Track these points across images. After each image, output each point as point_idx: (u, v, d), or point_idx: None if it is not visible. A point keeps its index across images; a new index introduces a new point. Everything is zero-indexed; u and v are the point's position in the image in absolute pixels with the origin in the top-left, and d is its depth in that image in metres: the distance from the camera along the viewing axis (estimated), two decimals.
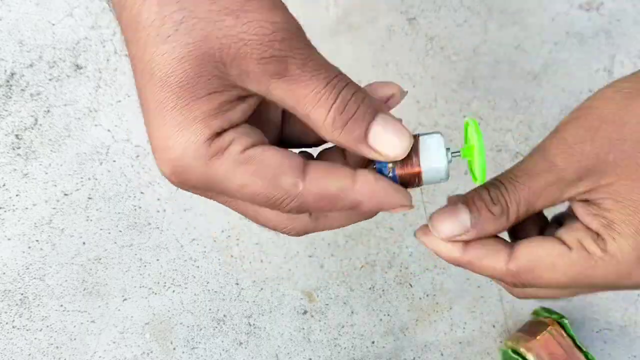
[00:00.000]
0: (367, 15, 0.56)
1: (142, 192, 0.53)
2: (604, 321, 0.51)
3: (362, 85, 0.29)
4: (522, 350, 0.47)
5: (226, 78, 0.26)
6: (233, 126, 0.27)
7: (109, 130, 0.54)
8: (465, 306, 0.51)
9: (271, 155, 0.27)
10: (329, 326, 0.50)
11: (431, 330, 0.50)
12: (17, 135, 0.54)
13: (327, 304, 0.51)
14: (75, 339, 0.50)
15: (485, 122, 0.55)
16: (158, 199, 0.53)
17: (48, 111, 0.55)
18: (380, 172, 0.29)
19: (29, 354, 0.49)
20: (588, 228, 0.31)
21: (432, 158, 0.29)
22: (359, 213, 0.30)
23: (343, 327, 0.50)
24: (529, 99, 0.55)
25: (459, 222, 0.31)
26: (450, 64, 0.56)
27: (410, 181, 0.29)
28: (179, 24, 0.26)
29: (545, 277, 0.31)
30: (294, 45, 0.27)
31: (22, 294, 0.50)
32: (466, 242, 0.32)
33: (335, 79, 0.27)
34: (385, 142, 0.28)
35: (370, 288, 0.51)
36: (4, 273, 0.51)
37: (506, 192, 0.31)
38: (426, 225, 0.32)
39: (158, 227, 0.52)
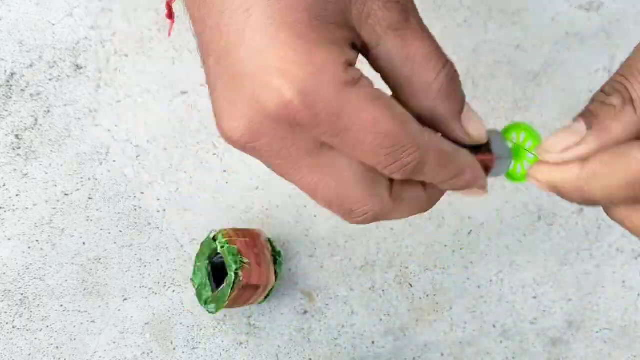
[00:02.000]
0: None
1: (142, 192, 0.53)
2: (604, 321, 0.51)
3: None
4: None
5: (347, 15, 0.25)
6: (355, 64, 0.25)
7: (109, 130, 0.54)
8: (465, 306, 0.51)
9: (396, 102, 0.25)
10: (329, 326, 0.50)
11: (431, 330, 0.50)
12: (17, 135, 0.54)
13: (327, 304, 0.51)
14: (75, 339, 0.50)
15: (485, 122, 0.55)
16: (158, 199, 0.53)
17: (48, 111, 0.55)
18: None
19: (29, 354, 0.49)
20: None
21: (502, 151, 0.29)
22: (457, 184, 0.27)
23: (343, 327, 0.50)
24: (529, 99, 0.56)
25: (572, 131, 0.25)
26: None
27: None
28: None
29: None
30: (414, 4, 0.26)
31: (22, 294, 0.50)
32: (585, 159, 0.25)
33: (440, 47, 0.26)
34: (474, 123, 0.28)
35: (370, 288, 0.51)
36: (4, 273, 0.51)
37: (622, 79, 0.25)
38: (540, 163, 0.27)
39: (158, 227, 0.52)
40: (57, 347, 0.49)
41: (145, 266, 0.51)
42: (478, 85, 0.56)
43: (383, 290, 0.51)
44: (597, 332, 0.51)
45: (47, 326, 0.50)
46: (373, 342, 0.50)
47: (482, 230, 0.53)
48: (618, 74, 0.25)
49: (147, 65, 0.56)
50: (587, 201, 0.25)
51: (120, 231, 0.52)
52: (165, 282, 0.51)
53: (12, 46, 0.56)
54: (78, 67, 0.56)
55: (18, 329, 0.50)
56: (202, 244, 0.47)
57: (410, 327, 0.50)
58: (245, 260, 0.44)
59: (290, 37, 0.23)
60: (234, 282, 0.43)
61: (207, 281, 0.46)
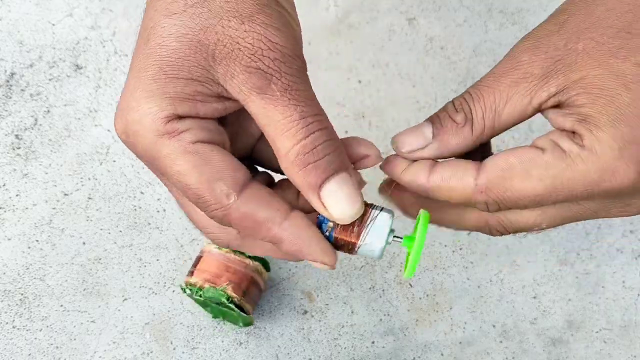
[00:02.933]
0: (367, 15, 0.56)
1: (142, 192, 0.53)
2: (604, 321, 0.51)
3: (335, 131, 0.28)
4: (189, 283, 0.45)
5: (211, 73, 0.27)
6: (198, 117, 0.27)
7: (109, 130, 0.54)
8: (465, 306, 0.51)
9: (219, 158, 0.27)
10: (329, 326, 0.50)
11: (431, 330, 0.50)
12: (17, 135, 0.54)
13: (327, 304, 0.51)
14: (75, 339, 0.50)
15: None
16: (158, 199, 0.53)
17: (48, 111, 0.55)
18: (319, 225, 0.28)
19: (29, 354, 0.49)
20: (563, 130, 0.28)
21: (374, 236, 0.28)
22: (281, 251, 0.29)
23: (343, 327, 0.50)
24: None
25: (421, 134, 0.30)
26: (450, 64, 0.57)
27: (343, 247, 0.29)
28: (189, 6, 0.27)
29: (518, 186, 0.28)
30: (283, 69, 0.27)
31: (22, 294, 0.50)
32: (432, 167, 0.29)
33: (313, 118, 0.27)
34: (336, 202, 0.27)
35: (370, 288, 0.51)
36: (4, 273, 0.51)
37: (470, 99, 0.29)
38: (391, 156, 0.31)
39: (158, 227, 0.52)
40: (57, 347, 0.49)
41: (145, 266, 0.51)
42: None
43: (383, 290, 0.51)
44: (597, 332, 0.51)
45: (47, 326, 0.50)
46: (373, 342, 0.50)
47: None
48: (468, 92, 0.29)
49: None
50: (430, 196, 0.30)
51: (120, 231, 0.52)
52: (165, 282, 0.51)
53: (12, 46, 0.56)
54: (78, 67, 0.56)
55: (18, 328, 0.50)
56: (202, 302, 0.47)
57: (410, 327, 0.50)
58: (236, 296, 0.45)
59: (135, 86, 0.27)
60: (242, 310, 0.46)
61: (226, 311, 0.47)
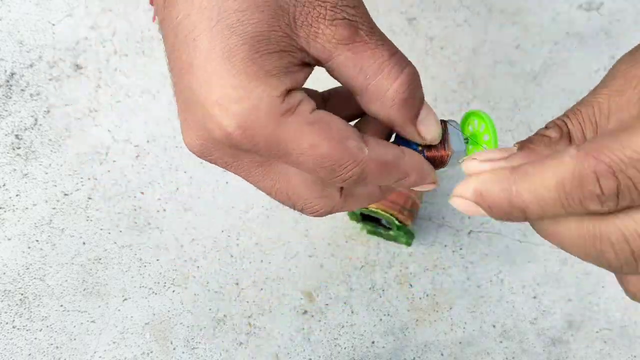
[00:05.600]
0: None
1: (142, 192, 0.53)
2: (604, 321, 0.51)
3: None
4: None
5: (294, 39, 0.26)
6: (299, 88, 0.26)
7: (109, 130, 0.54)
8: (465, 306, 0.51)
9: (337, 120, 0.27)
10: (329, 326, 0.50)
11: (431, 330, 0.50)
12: (17, 135, 0.54)
13: (327, 304, 0.51)
14: (75, 339, 0.50)
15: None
16: (158, 199, 0.53)
17: (48, 111, 0.55)
18: None
19: (29, 354, 0.49)
20: None
21: (456, 143, 0.31)
22: (403, 185, 0.29)
23: (343, 327, 0.50)
24: (529, 99, 0.56)
25: (504, 150, 0.25)
26: (450, 64, 0.57)
27: (436, 163, 0.31)
28: None
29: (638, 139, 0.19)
30: (363, 12, 0.27)
31: (22, 294, 0.50)
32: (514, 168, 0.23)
33: (399, 53, 0.27)
34: (428, 127, 0.29)
35: (370, 288, 0.51)
36: (4, 273, 0.51)
37: (564, 116, 0.26)
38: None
39: (158, 227, 0.52)
40: (57, 347, 0.49)
41: (145, 266, 0.51)
42: (478, 85, 0.56)
43: (383, 290, 0.51)
44: (597, 332, 0.51)
45: (47, 326, 0.50)
46: (373, 342, 0.50)
47: (482, 230, 0.53)
48: (563, 114, 0.26)
49: (147, 65, 0.56)
50: (514, 208, 0.22)
51: (120, 231, 0.52)
52: (165, 282, 0.51)
53: (12, 46, 0.56)
54: (78, 67, 0.56)
55: (18, 328, 0.50)
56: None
57: (410, 327, 0.50)
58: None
59: (230, 72, 0.24)
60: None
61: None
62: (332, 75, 0.28)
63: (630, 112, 0.23)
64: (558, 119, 0.26)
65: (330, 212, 0.30)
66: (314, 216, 0.30)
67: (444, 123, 0.31)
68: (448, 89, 0.56)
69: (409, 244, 0.52)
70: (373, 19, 0.28)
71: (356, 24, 0.26)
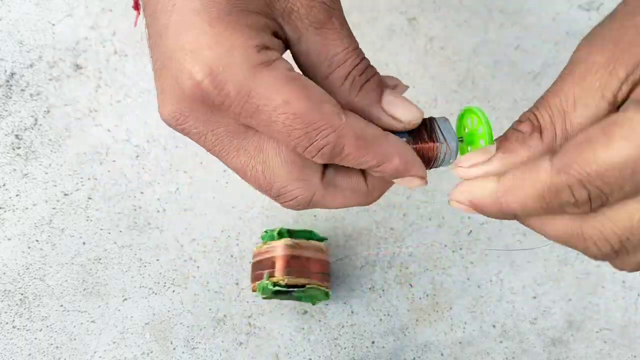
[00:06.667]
0: (367, 15, 0.56)
1: (142, 192, 0.53)
2: (604, 321, 0.51)
3: None
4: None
5: (270, 7, 0.26)
6: (276, 49, 0.26)
7: (109, 130, 0.54)
8: (465, 306, 0.51)
9: (316, 86, 0.26)
10: (329, 326, 0.50)
11: (431, 330, 0.50)
12: (17, 135, 0.54)
13: (327, 304, 0.51)
14: (75, 339, 0.50)
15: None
16: (158, 199, 0.53)
17: (48, 111, 0.55)
18: None
19: (29, 354, 0.49)
20: None
21: (449, 137, 0.29)
22: (384, 171, 0.28)
23: (343, 327, 0.50)
24: (529, 99, 0.55)
25: (485, 151, 0.27)
26: (450, 64, 0.57)
27: (425, 157, 0.29)
28: None
29: (603, 155, 0.22)
30: (339, 4, 0.27)
31: (22, 294, 0.50)
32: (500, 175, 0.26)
33: (359, 48, 0.28)
34: (401, 107, 0.28)
35: (370, 288, 0.51)
36: (4, 273, 0.51)
37: (534, 108, 0.27)
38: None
39: (158, 227, 0.52)
40: (57, 347, 0.49)
41: (145, 266, 0.51)
42: (478, 85, 0.56)
43: (383, 290, 0.51)
44: (597, 332, 0.51)
45: (47, 326, 0.50)
46: (373, 342, 0.50)
47: (482, 230, 0.53)
48: (533, 106, 0.28)
49: (147, 65, 0.56)
50: (505, 214, 0.26)
51: (120, 231, 0.52)
52: (165, 282, 0.51)
53: (12, 46, 0.56)
54: (78, 67, 0.56)
55: (18, 328, 0.50)
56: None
57: (410, 327, 0.50)
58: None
59: (205, 21, 0.24)
60: None
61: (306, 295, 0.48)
62: (296, 61, 0.28)
63: (594, 98, 0.25)
64: (529, 111, 0.28)
65: (310, 202, 0.28)
66: (292, 206, 0.28)
67: (431, 119, 0.30)
68: (448, 89, 0.56)
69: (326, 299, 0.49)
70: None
71: (332, 11, 0.26)
